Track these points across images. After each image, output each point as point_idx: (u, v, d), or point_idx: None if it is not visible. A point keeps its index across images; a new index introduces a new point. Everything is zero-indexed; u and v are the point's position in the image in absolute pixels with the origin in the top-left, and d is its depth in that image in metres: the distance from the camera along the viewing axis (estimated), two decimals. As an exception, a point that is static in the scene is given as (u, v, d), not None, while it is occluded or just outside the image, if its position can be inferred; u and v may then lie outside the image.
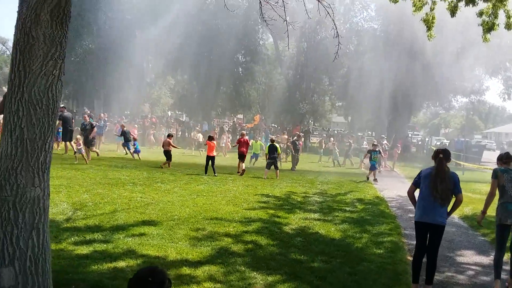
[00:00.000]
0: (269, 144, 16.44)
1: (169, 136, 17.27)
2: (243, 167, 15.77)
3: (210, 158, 14.76)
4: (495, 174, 5.56)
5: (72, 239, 6.19)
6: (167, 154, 16.24)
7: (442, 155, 5.25)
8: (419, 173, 5.49)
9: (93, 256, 5.58)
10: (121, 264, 5.36)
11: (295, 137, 21.46)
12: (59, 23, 3.82)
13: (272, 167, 15.56)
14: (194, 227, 7.37)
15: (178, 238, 6.66)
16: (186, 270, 5.31)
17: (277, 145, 16.18)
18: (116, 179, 12.03)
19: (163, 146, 16.79)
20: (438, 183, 5.15)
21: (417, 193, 5.51)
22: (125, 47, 33.30)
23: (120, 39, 32.73)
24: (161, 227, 7.19)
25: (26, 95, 3.70)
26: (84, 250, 5.78)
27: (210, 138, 15.46)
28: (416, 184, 5.47)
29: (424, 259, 5.29)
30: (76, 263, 5.25)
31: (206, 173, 14.64)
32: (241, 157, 16.13)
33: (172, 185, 11.88)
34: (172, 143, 16.71)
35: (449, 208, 5.30)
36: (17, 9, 3.83)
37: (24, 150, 3.64)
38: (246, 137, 17.11)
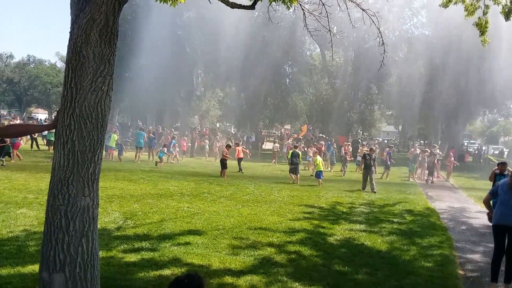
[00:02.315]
0: (291, 151, 17.76)
1: (228, 146, 18.51)
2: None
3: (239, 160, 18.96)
4: None
5: (122, 247, 6.47)
6: (223, 163, 17.23)
7: None
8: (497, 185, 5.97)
9: (140, 263, 5.80)
10: (167, 272, 5.53)
11: (368, 150, 17.67)
12: (107, 41, 4.06)
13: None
14: (238, 237, 7.46)
15: (221, 247, 6.77)
16: (228, 279, 5.39)
17: (299, 152, 17.60)
18: (165, 190, 12.43)
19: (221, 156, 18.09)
20: None
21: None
22: (176, 61, 34.49)
23: (170, 55, 33.95)
24: (205, 237, 7.34)
25: (77, 110, 3.94)
26: (132, 257, 6.02)
27: (229, 146, 18.73)
28: (492, 193, 5.89)
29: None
30: (124, 270, 5.48)
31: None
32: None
33: (218, 195, 12.10)
34: (225, 153, 17.62)
35: None
36: (69, 30, 4.13)
37: (75, 161, 3.86)
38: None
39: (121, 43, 35.13)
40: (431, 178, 20.57)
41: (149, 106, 39.09)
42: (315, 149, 22.98)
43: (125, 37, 36.03)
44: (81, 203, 3.86)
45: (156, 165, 19.68)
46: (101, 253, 5.81)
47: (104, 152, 19.70)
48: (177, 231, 7.62)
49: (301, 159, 17.70)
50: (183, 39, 35.86)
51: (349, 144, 28.57)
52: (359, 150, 25.31)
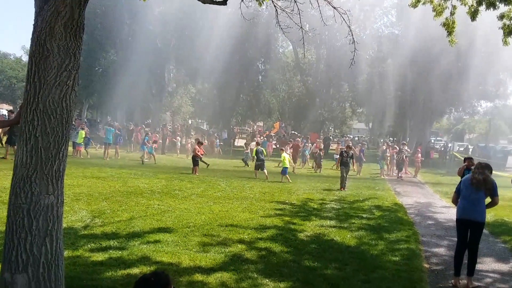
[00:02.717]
0: (255, 148, 18.27)
1: (199, 143, 18.39)
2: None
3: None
4: None
5: (89, 246, 6.33)
6: (195, 160, 17.20)
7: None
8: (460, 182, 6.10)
9: (108, 262, 5.69)
10: (135, 270, 5.45)
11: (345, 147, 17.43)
12: (72, 35, 3.94)
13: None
14: (208, 234, 7.43)
15: (192, 245, 6.72)
16: (198, 277, 5.36)
17: (263, 149, 18.49)
18: (135, 187, 12.24)
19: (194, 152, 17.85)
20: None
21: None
22: (147, 57, 33.96)
23: (141, 50, 33.38)
24: (176, 234, 7.27)
25: (41, 105, 3.82)
26: (99, 257, 5.89)
27: (200, 143, 18.74)
28: (458, 191, 6.01)
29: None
30: (91, 270, 5.36)
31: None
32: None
33: (189, 192, 12.01)
34: (197, 151, 17.58)
35: None
36: (33, 22, 3.99)
37: (38, 158, 3.74)
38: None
39: (90, 37, 34.50)
40: (400, 174, 21.14)
41: (119, 102, 38.33)
42: (291, 146, 23.25)
43: (94, 31, 35.21)
44: (45, 202, 3.75)
45: (142, 163, 19.78)
46: (67, 253, 5.67)
47: (71, 149, 19.45)
48: (147, 229, 7.51)
49: (266, 154, 18.55)
50: (155, 34, 35.30)
51: (321, 141, 28.96)
52: (335, 148, 25.72)
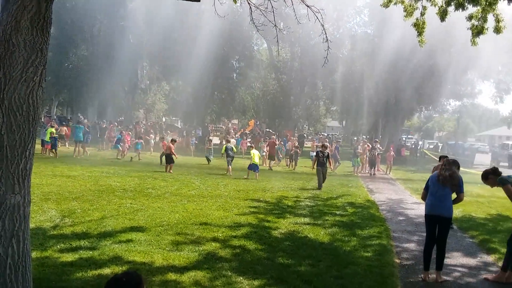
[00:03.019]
0: (225, 145, 18.90)
1: (172, 141, 18.22)
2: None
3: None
4: (506, 180, 5.78)
5: (58, 246, 6.17)
6: (169, 157, 16.97)
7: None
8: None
9: (78, 263, 5.56)
10: (106, 271, 5.34)
11: (321, 147, 16.72)
12: (39, 29, 3.82)
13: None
14: (182, 233, 7.36)
15: (165, 244, 6.65)
16: (171, 276, 5.30)
17: (233, 146, 19.33)
18: (106, 186, 12.01)
19: (166, 150, 17.57)
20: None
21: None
22: (119, 53, 33.35)
23: (113, 46, 32.75)
24: (149, 233, 7.18)
25: (6, 101, 3.69)
26: (69, 257, 5.75)
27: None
28: (426, 188, 6.13)
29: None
30: (60, 271, 5.23)
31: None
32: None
33: (163, 190, 11.88)
34: (173, 149, 17.38)
35: None
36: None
37: (4, 157, 3.62)
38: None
39: (60, 33, 33.62)
40: (373, 171, 21.54)
41: (90, 99, 37.53)
42: (267, 143, 23.33)
43: (64, 26, 34.31)
44: (11, 201, 3.63)
45: (131, 159, 19.98)
46: (35, 254, 5.52)
47: (40, 147, 18.91)
48: (119, 229, 7.38)
49: (235, 150, 19.15)
50: (127, 29, 34.68)
51: (295, 139, 29.17)
52: (311, 145, 25.94)
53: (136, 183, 13.06)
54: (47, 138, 19.73)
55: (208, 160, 22.13)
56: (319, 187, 14.57)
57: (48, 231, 6.95)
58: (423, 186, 6.29)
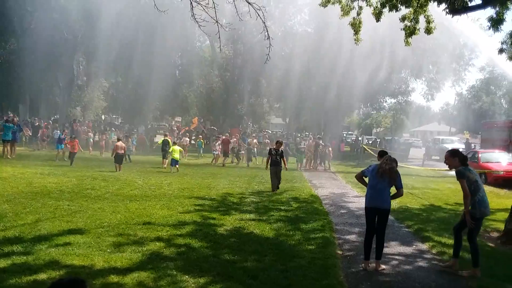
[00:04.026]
0: (162, 139, 20.38)
1: (119, 140, 17.89)
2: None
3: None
4: (463, 174, 5.88)
5: (-13, 252, 5.74)
6: (120, 157, 16.73)
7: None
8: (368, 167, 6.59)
9: (11, 269, 5.21)
10: (42, 276, 5.04)
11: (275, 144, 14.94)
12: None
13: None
14: (124, 234, 7.12)
15: (106, 245, 6.39)
16: (113, 278, 5.11)
17: (169, 139, 20.34)
18: (41, 187, 11.36)
19: (116, 150, 16.97)
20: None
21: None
22: (53, 48, 31.60)
23: (46, 40, 30.95)
24: (88, 235, 6.87)
25: None
26: (1, 263, 5.37)
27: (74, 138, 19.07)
28: (363, 172, 6.54)
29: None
30: (-9, 278, 4.86)
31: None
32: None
33: (103, 191, 11.44)
34: (124, 148, 17.25)
35: None
36: None
37: None
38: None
39: (-14, 25, 31.19)
40: (325, 166, 22.36)
41: (21, 95, 35.26)
42: (220, 141, 23.31)
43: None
44: None
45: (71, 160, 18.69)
46: (-39, 262, 5.09)
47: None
48: (55, 232, 6.99)
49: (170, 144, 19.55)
50: (60, 23, 32.87)
51: (237, 136, 29.26)
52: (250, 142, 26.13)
53: (73, 183, 12.46)
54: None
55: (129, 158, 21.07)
56: (273, 189, 13.13)
57: (-25, 237, 6.44)
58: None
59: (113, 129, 32.71)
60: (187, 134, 32.82)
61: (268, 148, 24.61)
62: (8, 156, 18.93)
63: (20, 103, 37.46)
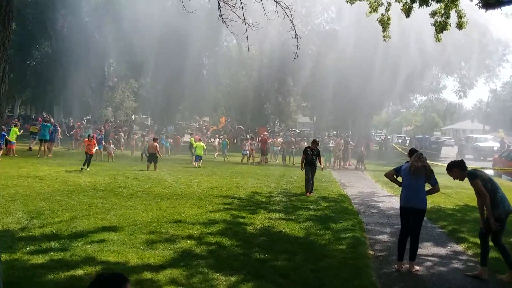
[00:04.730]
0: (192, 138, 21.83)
1: (155, 140, 17.93)
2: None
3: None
4: (474, 174, 5.66)
5: (27, 248, 5.95)
6: (153, 157, 16.69)
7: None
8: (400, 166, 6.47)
9: (49, 265, 5.38)
10: (79, 272, 5.19)
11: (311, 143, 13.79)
12: (1, 23, 3.66)
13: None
14: (156, 231, 7.24)
15: (139, 242, 6.52)
16: (147, 275, 5.21)
17: (193, 139, 22.05)
18: (76, 186, 11.69)
19: (149, 150, 17.28)
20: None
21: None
22: (84, 50, 32.46)
23: (78, 43, 31.84)
24: (122, 233, 7.02)
25: (-32, 98, 3.53)
26: (39, 259, 5.56)
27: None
28: (395, 170, 6.45)
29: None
30: (31, 273, 5.04)
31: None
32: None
33: (134, 189, 11.66)
34: (157, 148, 17.30)
35: None
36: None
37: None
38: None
39: (22, 29, 32.44)
40: (360, 166, 22.15)
41: (55, 97, 36.38)
42: (250, 142, 23.60)
43: (26, 22, 33.12)
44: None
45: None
46: (4, 256, 5.30)
47: (4, 147, 18.18)
48: (90, 229, 7.19)
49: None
50: (92, 26, 33.75)
51: (267, 135, 29.27)
52: (270, 141, 26.27)
53: (106, 182, 12.77)
54: (11, 138, 18.97)
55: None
56: (307, 191, 12.42)
57: (16, 233, 6.70)
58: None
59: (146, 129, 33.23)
60: (216, 135, 33.05)
61: (293, 148, 24.79)
62: (45, 156, 19.56)
63: (54, 104, 38.66)
